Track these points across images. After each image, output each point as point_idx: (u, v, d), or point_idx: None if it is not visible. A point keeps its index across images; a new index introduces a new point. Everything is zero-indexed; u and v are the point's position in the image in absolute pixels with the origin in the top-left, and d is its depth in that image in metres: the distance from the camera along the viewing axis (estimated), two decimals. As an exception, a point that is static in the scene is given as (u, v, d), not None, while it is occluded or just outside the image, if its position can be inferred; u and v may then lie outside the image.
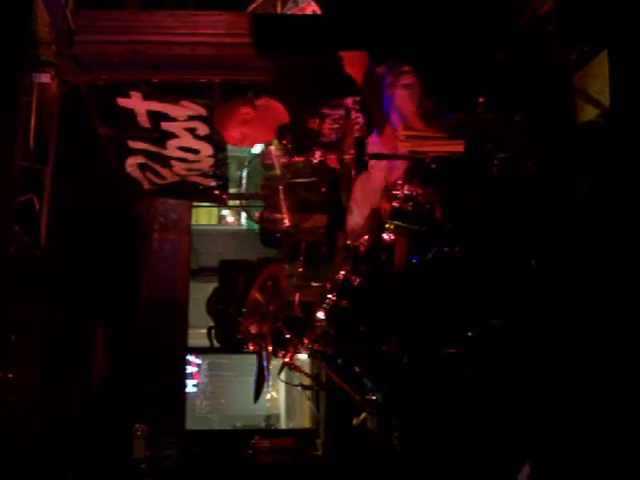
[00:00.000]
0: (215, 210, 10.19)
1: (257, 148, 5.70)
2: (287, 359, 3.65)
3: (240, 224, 9.56)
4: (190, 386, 8.94)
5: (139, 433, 6.42)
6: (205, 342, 6.43)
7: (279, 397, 10.94)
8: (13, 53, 4.40)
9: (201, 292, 6.97)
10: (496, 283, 3.42)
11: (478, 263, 3.45)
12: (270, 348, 3.57)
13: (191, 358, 8.88)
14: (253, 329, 3.61)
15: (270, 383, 8.22)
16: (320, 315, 3.44)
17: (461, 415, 3.65)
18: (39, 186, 4.39)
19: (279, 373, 3.89)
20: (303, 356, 5.14)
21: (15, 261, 4.13)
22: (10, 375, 4.05)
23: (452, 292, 3.47)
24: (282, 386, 9.39)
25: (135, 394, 6.57)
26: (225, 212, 10.13)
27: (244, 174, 5.54)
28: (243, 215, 9.34)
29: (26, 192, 4.31)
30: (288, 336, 3.53)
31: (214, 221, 10.33)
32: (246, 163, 5.51)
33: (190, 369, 9.07)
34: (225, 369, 8.94)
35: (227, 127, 3.73)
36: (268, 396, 10.40)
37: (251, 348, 3.83)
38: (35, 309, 4.46)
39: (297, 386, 3.88)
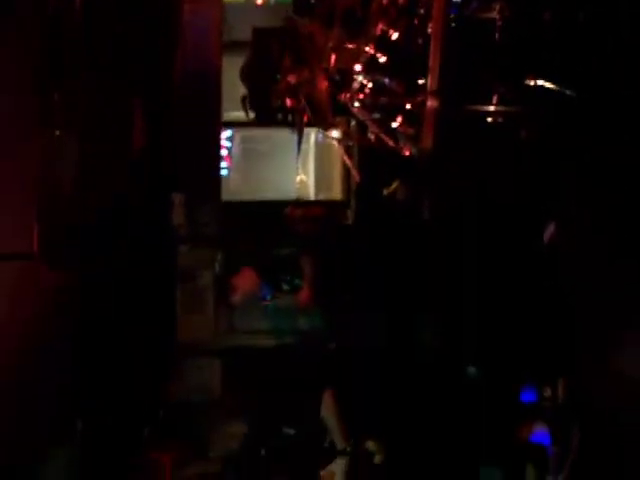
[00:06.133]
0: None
1: None
2: None
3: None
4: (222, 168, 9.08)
5: (177, 202, 6.67)
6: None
7: (309, 179, 11.10)
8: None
9: (233, 68, 6.95)
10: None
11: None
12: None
13: (222, 141, 8.95)
14: (292, 79, 3.67)
15: (299, 165, 8.33)
16: (357, 67, 3.49)
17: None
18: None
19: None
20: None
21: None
22: (57, 132, 4.16)
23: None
24: (311, 167, 9.50)
25: (172, 165, 6.75)
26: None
27: None
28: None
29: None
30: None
31: (241, -1, 10.08)
32: None
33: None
34: (258, 142, 9.05)
35: None
36: (298, 178, 10.55)
37: (288, 104, 3.92)
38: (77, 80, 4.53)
39: (333, 139, 3.98)
